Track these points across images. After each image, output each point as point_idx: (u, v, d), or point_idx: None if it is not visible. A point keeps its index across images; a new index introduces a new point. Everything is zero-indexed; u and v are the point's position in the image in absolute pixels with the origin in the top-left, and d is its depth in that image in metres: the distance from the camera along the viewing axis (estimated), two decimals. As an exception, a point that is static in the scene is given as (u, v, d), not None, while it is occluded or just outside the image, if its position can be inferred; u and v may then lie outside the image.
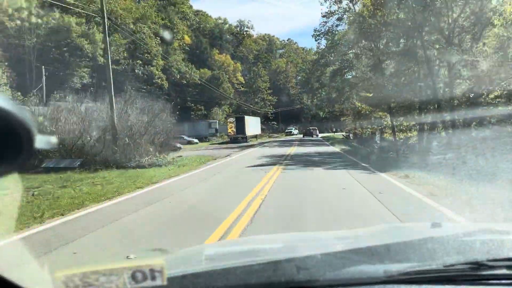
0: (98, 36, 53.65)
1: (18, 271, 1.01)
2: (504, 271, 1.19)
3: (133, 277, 1.04)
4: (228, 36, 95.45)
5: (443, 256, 1.24)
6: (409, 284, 1.15)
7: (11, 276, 0.91)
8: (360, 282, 1.15)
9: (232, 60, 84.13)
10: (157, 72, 63.99)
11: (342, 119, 67.50)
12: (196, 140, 42.44)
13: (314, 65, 39.39)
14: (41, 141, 0.78)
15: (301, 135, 57.76)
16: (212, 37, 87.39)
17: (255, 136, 50.41)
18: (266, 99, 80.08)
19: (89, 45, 53.37)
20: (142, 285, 1.03)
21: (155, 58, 65.71)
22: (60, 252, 4.86)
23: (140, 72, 64.16)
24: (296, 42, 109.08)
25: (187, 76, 68.31)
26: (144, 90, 66.08)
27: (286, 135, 69.97)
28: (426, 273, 1.16)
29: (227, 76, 78.18)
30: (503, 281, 1.18)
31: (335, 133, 78.57)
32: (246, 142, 40.69)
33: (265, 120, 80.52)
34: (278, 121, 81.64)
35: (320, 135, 63.83)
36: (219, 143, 41.18)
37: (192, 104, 69.73)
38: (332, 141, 38.26)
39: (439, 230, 1.70)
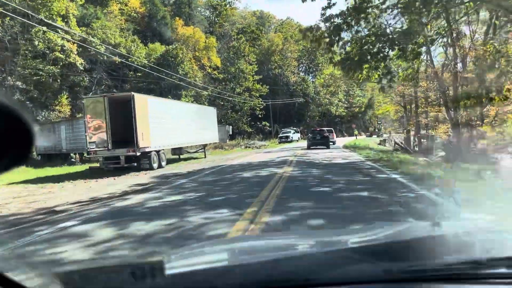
0: None
1: (17, 268, 0.98)
2: (504, 270, 1.17)
3: (133, 275, 1.01)
4: (202, 10, 69.76)
5: (443, 255, 1.24)
6: (409, 282, 1.14)
7: (10, 274, 0.89)
8: (360, 281, 1.12)
9: (206, 35, 58.25)
10: (60, 42, 38.07)
11: (378, 111, 41.24)
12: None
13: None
14: (39, 139, 0.83)
15: (305, 143, 30.42)
16: (177, 4, 61.61)
17: (202, 148, 23.70)
18: (252, 88, 53.75)
19: None
20: (142, 283, 1.01)
21: (67, 20, 39.94)
22: None
23: (40, 44, 38.41)
24: (298, 22, 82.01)
25: (122, 51, 42.45)
26: (41, 71, 40.60)
27: (279, 142, 43.30)
28: (426, 272, 1.15)
29: (193, 55, 52.26)
30: (503, 280, 1.16)
31: (358, 137, 52.07)
32: (150, 168, 14.65)
33: (251, 119, 54.32)
34: (270, 120, 55.05)
35: (338, 140, 37.40)
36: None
37: (131, 96, 43.63)
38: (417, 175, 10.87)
39: (439, 229, 1.66)
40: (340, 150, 25.31)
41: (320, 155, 20.50)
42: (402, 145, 23.20)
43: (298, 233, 2.91)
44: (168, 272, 1.10)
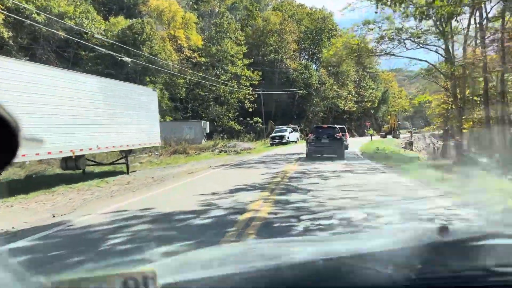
0: None
1: (4, 278, 0.94)
2: None
3: (125, 284, 0.99)
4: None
5: (450, 262, 1.20)
6: None
7: None
8: None
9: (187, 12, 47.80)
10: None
11: (417, 99, 32.30)
12: None
13: None
14: (27, 143, 0.83)
15: (305, 145, 19.63)
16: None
17: (124, 155, 12.54)
18: (241, 75, 43.33)
19: None
20: None
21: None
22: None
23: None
24: (300, 3, 70.81)
25: (69, 23, 32.12)
26: None
27: (271, 143, 32.80)
28: (432, 280, 1.12)
29: (167, 33, 41.96)
30: None
31: (373, 136, 41.70)
32: None
33: (241, 114, 43.95)
34: (262, 115, 44.45)
35: (350, 141, 26.72)
36: None
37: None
38: None
39: (446, 235, 1.59)
40: (366, 165, 14.64)
41: (331, 183, 9.89)
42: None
43: (299, 240, 2.64)
44: (161, 281, 1.04)
